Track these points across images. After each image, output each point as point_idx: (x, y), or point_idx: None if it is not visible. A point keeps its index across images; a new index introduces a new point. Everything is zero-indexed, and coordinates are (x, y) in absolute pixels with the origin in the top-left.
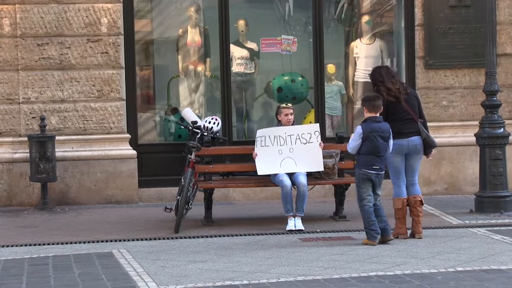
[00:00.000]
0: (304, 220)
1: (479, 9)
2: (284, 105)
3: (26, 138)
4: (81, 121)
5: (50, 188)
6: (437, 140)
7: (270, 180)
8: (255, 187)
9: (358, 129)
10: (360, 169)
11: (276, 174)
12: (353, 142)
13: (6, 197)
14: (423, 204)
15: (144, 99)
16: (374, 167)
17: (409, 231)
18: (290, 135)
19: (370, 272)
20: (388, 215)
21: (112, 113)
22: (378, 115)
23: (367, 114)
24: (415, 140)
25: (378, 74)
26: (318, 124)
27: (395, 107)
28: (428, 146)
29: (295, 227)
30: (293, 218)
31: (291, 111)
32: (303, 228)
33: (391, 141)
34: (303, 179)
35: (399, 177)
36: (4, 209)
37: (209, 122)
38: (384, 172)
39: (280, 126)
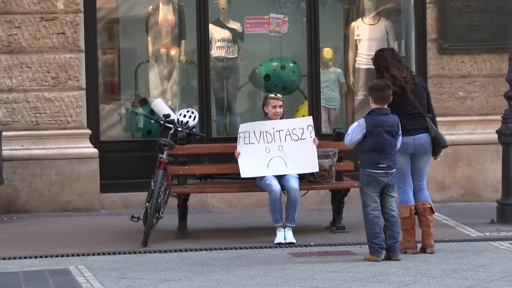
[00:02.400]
0: (296, 231)
1: None
2: (272, 95)
3: None
4: (33, 114)
5: None
6: (453, 138)
7: (255, 184)
8: (238, 193)
9: (361, 122)
10: (364, 169)
11: (263, 177)
12: (352, 135)
13: None
14: (434, 212)
15: (107, 88)
16: (380, 165)
17: (419, 245)
18: (279, 131)
19: None
20: None
21: (70, 105)
22: (385, 106)
23: (373, 105)
24: (423, 138)
25: (381, 58)
26: (311, 117)
27: (400, 99)
28: (437, 145)
29: (285, 239)
30: (282, 229)
31: (280, 102)
32: (294, 241)
33: (400, 137)
34: (294, 183)
35: (404, 181)
36: None
37: (184, 116)
38: (395, 170)
39: (267, 120)
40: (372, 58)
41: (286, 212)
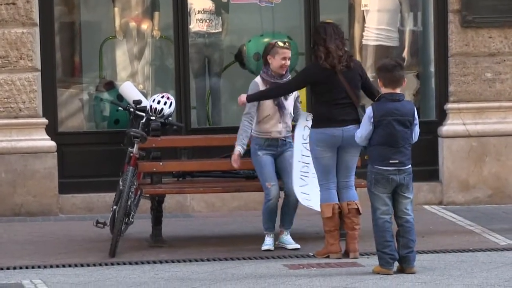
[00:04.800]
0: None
1: None
2: (281, 43)
3: None
4: None
5: None
6: (478, 128)
7: (242, 183)
8: (223, 193)
9: (368, 111)
10: (372, 166)
11: (264, 175)
12: (362, 130)
13: None
14: (360, 214)
15: (66, 69)
16: (391, 161)
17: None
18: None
19: None
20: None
21: (22, 89)
22: (398, 91)
23: (382, 89)
24: (352, 130)
25: (322, 30)
26: (310, 115)
27: (329, 80)
28: None
29: (287, 244)
30: (271, 235)
31: (289, 54)
32: (298, 246)
33: (416, 127)
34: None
35: (328, 178)
36: None
37: (158, 102)
38: (409, 167)
39: (268, 71)
40: (314, 30)
41: (282, 216)
